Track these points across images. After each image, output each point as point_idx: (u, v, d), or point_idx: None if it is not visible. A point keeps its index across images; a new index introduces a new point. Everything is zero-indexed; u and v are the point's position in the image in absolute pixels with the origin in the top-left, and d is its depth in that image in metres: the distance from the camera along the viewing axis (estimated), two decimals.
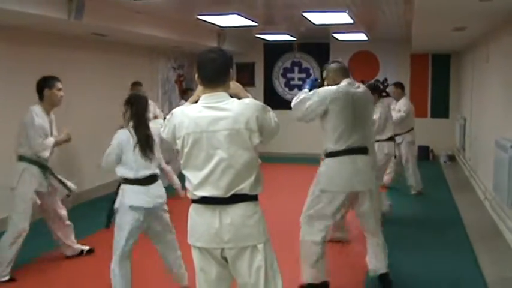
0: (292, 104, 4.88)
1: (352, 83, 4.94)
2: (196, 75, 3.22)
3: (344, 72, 5.00)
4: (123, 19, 7.98)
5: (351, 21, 8.86)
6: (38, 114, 5.61)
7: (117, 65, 10.18)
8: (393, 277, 5.22)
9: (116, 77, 9.87)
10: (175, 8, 8.02)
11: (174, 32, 9.67)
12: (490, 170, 7.39)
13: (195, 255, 3.24)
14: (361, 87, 5.00)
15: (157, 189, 4.72)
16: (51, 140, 5.67)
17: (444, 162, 12.89)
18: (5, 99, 7.32)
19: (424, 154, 13.45)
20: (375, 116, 6.90)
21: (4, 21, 6.78)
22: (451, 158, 13.01)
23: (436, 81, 13.61)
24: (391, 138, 7.92)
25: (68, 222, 6.16)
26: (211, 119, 3.08)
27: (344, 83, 4.87)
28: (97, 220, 5.68)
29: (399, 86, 9.79)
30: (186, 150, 3.11)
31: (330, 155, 4.83)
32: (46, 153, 5.62)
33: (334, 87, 4.84)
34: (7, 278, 5.56)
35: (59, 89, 5.77)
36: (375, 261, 5.14)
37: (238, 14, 8.39)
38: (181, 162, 3.18)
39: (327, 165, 4.86)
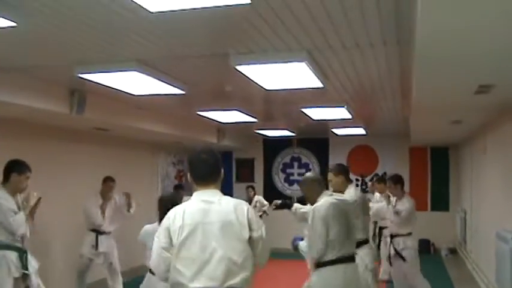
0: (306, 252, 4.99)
1: (330, 193, 5.10)
2: (189, 174, 3.40)
3: (322, 186, 5.12)
4: (125, 114, 8.07)
5: (350, 116, 8.96)
6: (1, 196, 5.55)
7: (117, 159, 10.19)
8: None
9: (116, 170, 9.83)
10: (175, 103, 8.11)
11: (174, 128, 9.75)
12: (492, 262, 7.28)
13: None
14: (343, 196, 5.25)
15: None
16: (21, 215, 5.57)
17: (445, 256, 12.71)
18: None
19: (425, 247, 13.29)
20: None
21: (6, 114, 6.83)
22: (453, 251, 12.84)
23: (436, 174, 13.62)
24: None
25: None
26: (205, 211, 3.22)
27: (330, 196, 5.00)
28: None
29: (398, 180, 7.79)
30: (180, 240, 3.15)
31: (323, 264, 4.80)
32: (22, 229, 5.53)
33: (325, 203, 4.86)
34: None
35: (27, 178, 5.75)
36: None
37: (238, 110, 8.49)
38: (173, 255, 3.18)
39: (320, 277, 4.82)
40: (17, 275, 5.58)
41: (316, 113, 8.86)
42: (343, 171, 6.19)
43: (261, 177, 14.66)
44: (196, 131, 10.65)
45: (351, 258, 4.85)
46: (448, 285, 9.48)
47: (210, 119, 9.35)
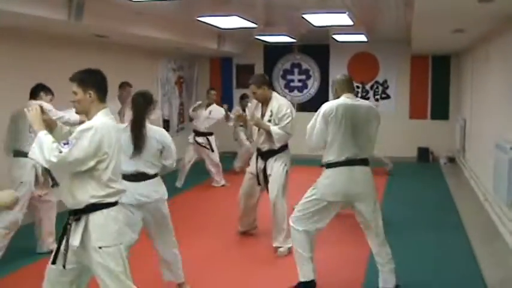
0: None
1: (353, 97, 5.05)
2: None
3: (348, 86, 5.11)
4: (124, 20, 7.99)
5: (351, 22, 8.85)
6: None
7: (117, 66, 10.17)
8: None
9: (116, 78, 9.85)
10: (175, 9, 8.02)
11: (174, 34, 9.69)
12: (490, 171, 7.39)
13: None
14: (365, 102, 5.16)
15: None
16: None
17: (444, 164, 12.89)
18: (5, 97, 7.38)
19: (424, 156, 13.47)
20: None
21: (3, 22, 6.79)
22: (451, 160, 13.01)
23: (436, 83, 13.59)
24: None
25: None
26: None
27: (343, 97, 5.01)
28: None
29: None
30: None
31: (329, 165, 4.95)
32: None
33: (334, 102, 4.98)
34: None
35: (51, 100, 6.22)
36: (382, 278, 5.16)
37: (238, 16, 8.39)
38: None
39: (325, 176, 4.96)
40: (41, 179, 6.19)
41: (317, 19, 8.75)
42: (265, 82, 6.48)
43: None
44: (196, 37, 10.58)
45: (358, 162, 4.91)
46: (446, 193, 9.68)
47: (210, 24, 9.25)
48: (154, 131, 4.83)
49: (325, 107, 4.93)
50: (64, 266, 3.57)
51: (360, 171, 4.93)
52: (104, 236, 3.52)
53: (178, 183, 10.21)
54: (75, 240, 3.51)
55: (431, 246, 6.70)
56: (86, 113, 3.67)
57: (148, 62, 11.69)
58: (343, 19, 8.54)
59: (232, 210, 7.43)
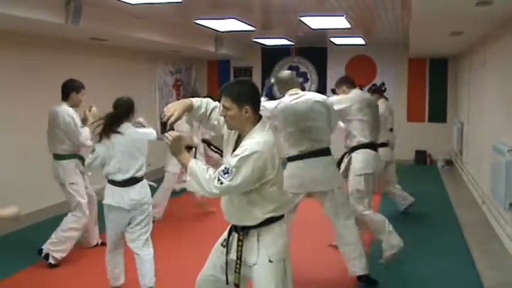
0: None
1: (296, 93, 5.21)
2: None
3: (292, 82, 5.32)
4: (121, 24, 7.99)
5: (348, 25, 8.88)
6: (71, 112, 6.08)
7: (115, 70, 10.20)
8: (390, 281, 5.23)
9: (113, 81, 9.88)
10: (173, 12, 8.03)
11: (172, 37, 9.70)
12: (487, 173, 7.40)
13: None
14: (302, 97, 5.21)
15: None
16: (86, 129, 6.04)
17: (442, 167, 12.90)
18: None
19: (422, 158, 13.48)
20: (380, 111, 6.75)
21: (1, 25, 6.80)
22: (449, 163, 13.02)
23: (434, 86, 13.61)
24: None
25: None
26: None
27: (286, 95, 5.23)
28: None
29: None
30: None
31: (288, 159, 5.20)
32: (89, 142, 5.97)
33: (274, 103, 5.20)
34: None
35: (83, 95, 6.25)
36: (351, 264, 5.28)
37: (235, 19, 8.40)
38: None
39: (287, 170, 5.10)
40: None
41: (315, 22, 8.77)
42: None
43: (259, 86, 14.46)
44: (193, 40, 10.59)
45: (315, 153, 5.11)
46: (443, 196, 9.67)
47: (208, 27, 9.27)
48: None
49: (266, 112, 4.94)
50: (227, 282, 3.49)
51: (316, 163, 5.12)
52: (273, 250, 3.36)
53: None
54: (252, 257, 3.38)
55: (428, 248, 6.70)
56: (238, 129, 3.43)
57: (146, 65, 11.70)
58: (341, 22, 8.56)
59: None
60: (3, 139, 7.33)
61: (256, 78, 14.53)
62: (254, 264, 3.37)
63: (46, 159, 6.29)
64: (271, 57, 14.34)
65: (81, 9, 6.81)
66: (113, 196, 4.89)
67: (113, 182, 4.89)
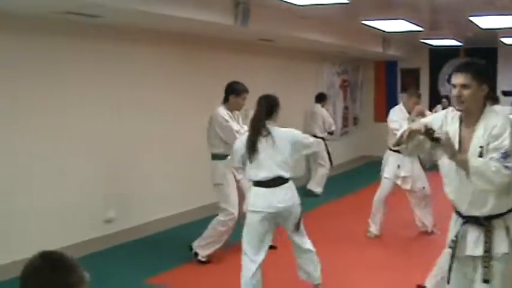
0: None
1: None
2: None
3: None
4: (288, 25, 8.16)
5: None
6: (229, 117, 6.11)
7: (282, 70, 10.55)
8: None
9: (279, 81, 10.22)
10: (339, 13, 8.15)
11: (338, 37, 9.81)
12: None
13: None
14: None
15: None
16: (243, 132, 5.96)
17: None
18: (185, 99, 8.02)
19: None
20: None
21: (173, 28, 7.28)
22: None
23: None
24: None
25: None
26: None
27: None
28: None
29: None
30: None
31: None
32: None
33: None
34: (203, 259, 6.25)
35: (244, 98, 6.20)
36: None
37: (403, 19, 8.43)
38: None
39: None
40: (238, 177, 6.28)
41: (485, 22, 8.58)
42: None
43: (426, 88, 14.28)
44: (360, 40, 10.69)
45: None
46: None
47: (375, 28, 9.34)
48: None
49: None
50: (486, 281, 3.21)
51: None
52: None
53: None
54: (502, 247, 3.20)
55: None
56: (468, 111, 3.27)
57: (312, 66, 11.94)
58: None
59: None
60: (177, 138, 7.88)
61: (424, 80, 14.37)
62: (505, 253, 3.19)
63: (206, 159, 6.47)
64: (439, 58, 14.04)
65: (249, 11, 7.02)
66: None
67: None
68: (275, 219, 4.82)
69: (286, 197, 4.77)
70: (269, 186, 4.73)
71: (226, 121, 6.05)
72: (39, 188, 6.12)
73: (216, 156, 6.24)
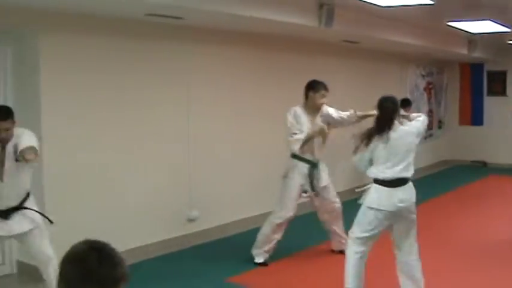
0: None
1: None
2: None
3: None
4: (372, 26, 8.16)
5: None
6: (292, 114, 6.07)
7: (366, 71, 10.56)
8: None
9: (364, 82, 10.25)
10: (424, 14, 8.10)
11: (423, 39, 9.73)
12: None
13: None
14: None
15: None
16: (299, 135, 5.95)
17: None
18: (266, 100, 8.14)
19: None
20: None
21: (255, 29, 7.35)
22: None
23: None
24: None
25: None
26: None
27: None
28: None
29: None
30: None
31: None
32: (294, 147, 5.97)
33: None
34: (261, 260, 6.25)
35: (323, 96, 6.08)
36: None
37: (490, 20, 8.31)
38: None
39: None
40: (306, 186, 6.21)
41: None
42: None
43: None
44: (446, 42, 10.55)
45: None
46: None
47: (460, 29, 9.23)
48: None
49: None
50: None
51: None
52: None
53: None
54: None
55: None
56: None
57: (396, 68, 11.87)
58: None
59: None
60: (258, 140, 7.99)
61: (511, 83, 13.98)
62: None
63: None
64: None
65: (333, 13, 7.05)
66: None
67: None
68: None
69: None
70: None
71: (291, 125, 6.01)
72: (129, 185, 6.41)
73: (295, 156, 6.17)
